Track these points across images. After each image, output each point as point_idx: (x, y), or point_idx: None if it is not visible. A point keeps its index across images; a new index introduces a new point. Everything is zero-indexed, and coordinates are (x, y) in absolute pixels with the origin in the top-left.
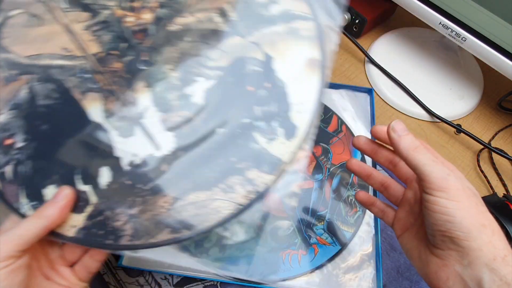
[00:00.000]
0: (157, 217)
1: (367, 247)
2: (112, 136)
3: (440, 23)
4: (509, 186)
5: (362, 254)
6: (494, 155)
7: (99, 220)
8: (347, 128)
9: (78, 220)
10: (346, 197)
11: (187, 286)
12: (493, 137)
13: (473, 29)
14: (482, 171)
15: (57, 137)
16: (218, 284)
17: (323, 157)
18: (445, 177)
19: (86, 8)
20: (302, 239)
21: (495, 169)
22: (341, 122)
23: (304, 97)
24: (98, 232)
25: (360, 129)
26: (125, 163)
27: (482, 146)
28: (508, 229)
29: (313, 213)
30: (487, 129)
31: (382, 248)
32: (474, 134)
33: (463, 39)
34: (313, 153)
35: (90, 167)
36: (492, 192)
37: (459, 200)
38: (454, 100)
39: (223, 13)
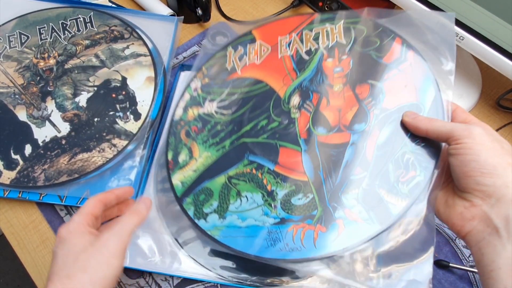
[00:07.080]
0: (59, 169)
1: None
2: (32, 128)
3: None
4: None
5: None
6: None
7: (24, 173)
8: (417, 55)
9: (12, 174)
10: (400, 155)
11: (188, 287)
12: None
13: (471, 28)
14: None
15: (1, 130)
16: (219, 286)
17: (370, 99)
18: (466, 127)
19: (14, 59)
20: (324, 210)
21: None
22: (406, 48)
23: (144, 97)
24: (23, 180)
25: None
26: (40, 141)
27: None
28: None
29: (345, 176)
30: None
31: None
32: None
33: (461, 38)
34: (356, 95)
35: (19, 144)
36: None
37: (483, 143)
38: (453, 99)
39: (97, 56)
